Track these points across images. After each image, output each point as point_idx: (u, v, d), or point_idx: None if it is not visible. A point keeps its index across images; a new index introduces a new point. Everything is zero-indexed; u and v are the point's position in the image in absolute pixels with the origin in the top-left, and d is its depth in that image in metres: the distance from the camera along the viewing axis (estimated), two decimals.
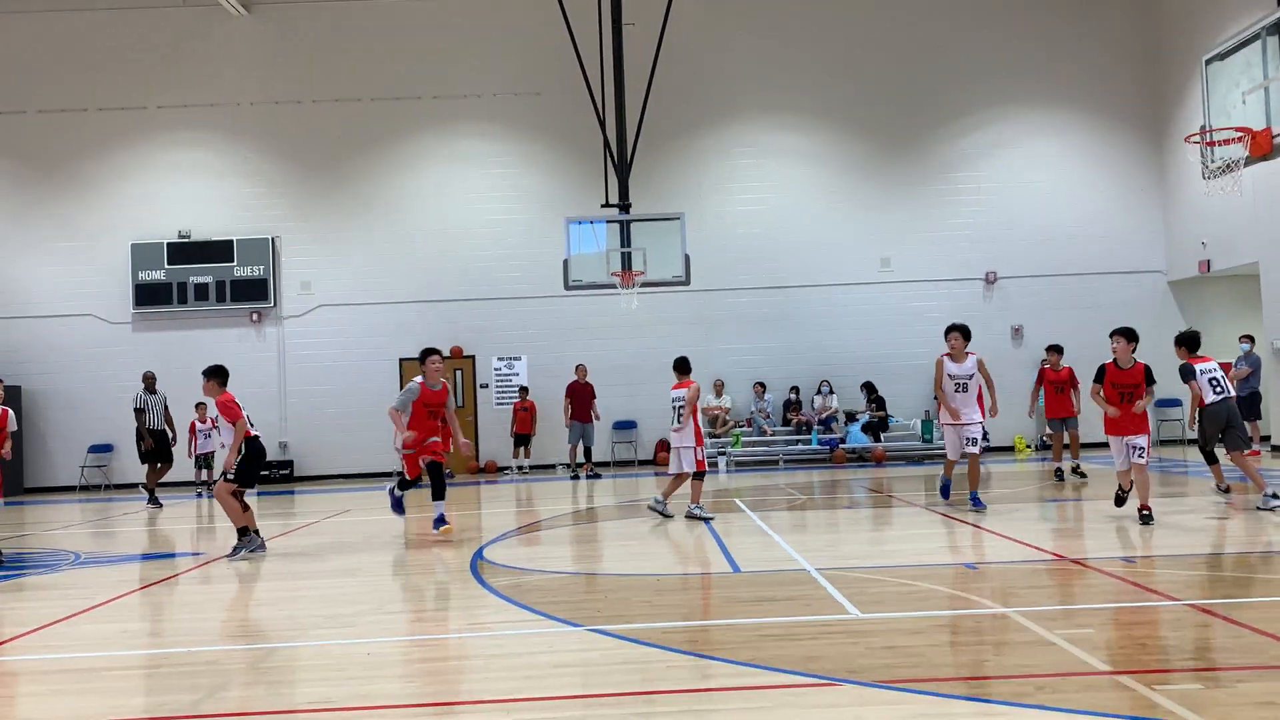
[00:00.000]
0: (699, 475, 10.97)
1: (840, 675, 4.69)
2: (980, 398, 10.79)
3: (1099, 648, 5.06)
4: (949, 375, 10.49)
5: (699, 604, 6.78)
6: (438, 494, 10.29)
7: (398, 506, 10.68)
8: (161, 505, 15.18)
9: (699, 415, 11.09)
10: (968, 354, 10.58)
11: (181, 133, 20.78)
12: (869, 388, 20.02)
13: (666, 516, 11.03)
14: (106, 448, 20.32)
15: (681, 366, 11.36)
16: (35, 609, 7.39)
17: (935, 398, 11.15)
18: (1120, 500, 9.82)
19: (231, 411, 9.31)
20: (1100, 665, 4.73)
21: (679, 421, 10.96)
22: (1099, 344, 19.50)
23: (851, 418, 19.99)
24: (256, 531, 9.52)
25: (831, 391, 20.17)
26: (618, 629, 5.81)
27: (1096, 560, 7.44)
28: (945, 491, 11.37)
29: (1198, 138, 14.51)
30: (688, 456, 10.91)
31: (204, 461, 17.70)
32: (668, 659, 5.17)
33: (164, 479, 15.83)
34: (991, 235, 20.69)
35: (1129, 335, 9.36)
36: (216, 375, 9.61)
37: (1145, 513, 9.13)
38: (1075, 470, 13.83)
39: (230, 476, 9.33)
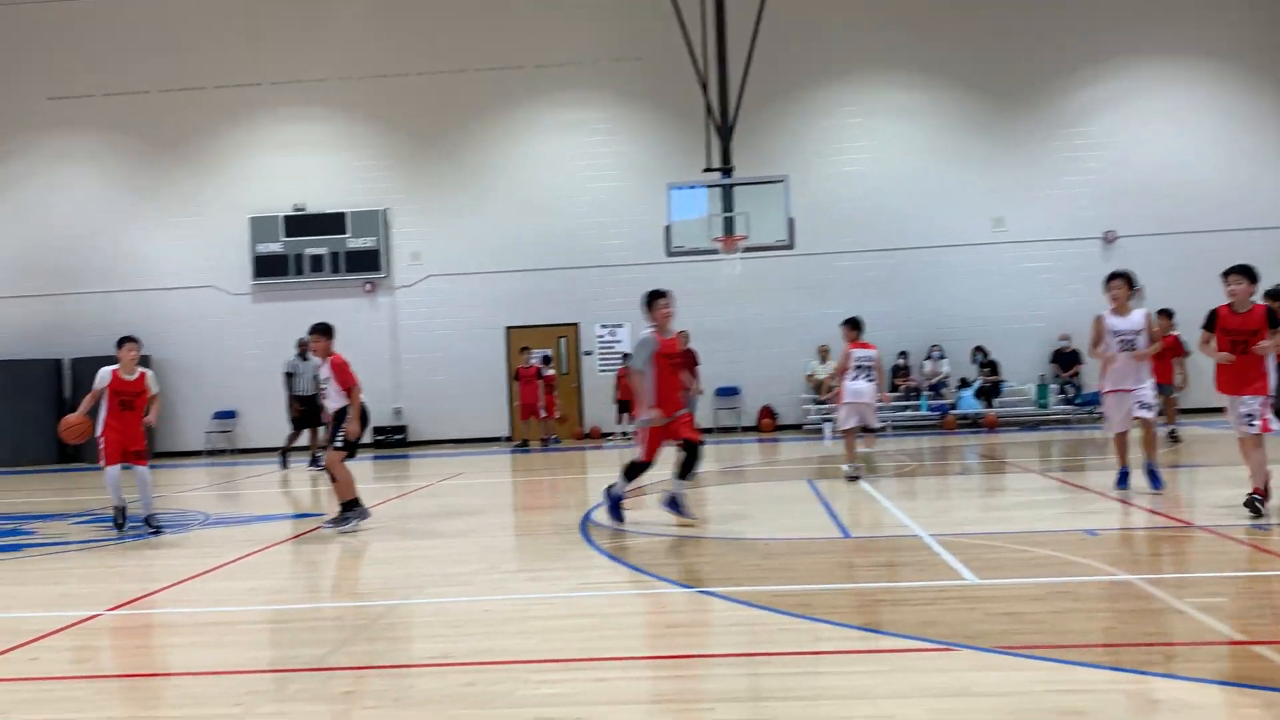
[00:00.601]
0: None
1: (957, 640, 4.60)
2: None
3: (1232, 617, 4.86)
4: (1113, 331, 8.83)
5: (809, 568, 6.74)
6: (685, 471, 8.41)
7: (615, 510, 8.62)
8: (294, 468, 15.64)
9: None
10: (1132, 308, 8.92)
11: (295, 108, 21.36)
12: (980, 351, 19.54)
13: (855, 478, 10.82)
14: (230, 414, 21.17)
15: (857, 325, 11.28)
16: (169, 566, 7.78)
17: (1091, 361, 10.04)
18: (1124, 479, 8.93)
19: (347, 376, 8.88)
20: (1234, 635, 4.55)
21: (870, 378, 10.91)
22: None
23: (964, 383, 19.55)
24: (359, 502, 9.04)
25: (942, 356, 19.74)
26: (728, 591, 5.81)
27: (1226, 527, 7.13)
28: (1125, 480, 8.99)
29: None
30: (870, 413, 10.96)
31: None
32: (779, 621, 5.15)
33: (297, 444, 16.12)
34: (1111, 192, 19.87)
35: (1249, 274, 7.63)
36: (327, 332, 9.16)
37: (1257, 498, 7.41)
38: (1170, 436, 13.70)
39: (341, 444, 8.84)
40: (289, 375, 15.76)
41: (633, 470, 8.43)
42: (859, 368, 10.94)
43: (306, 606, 6.12)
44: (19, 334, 21.41)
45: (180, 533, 9.62)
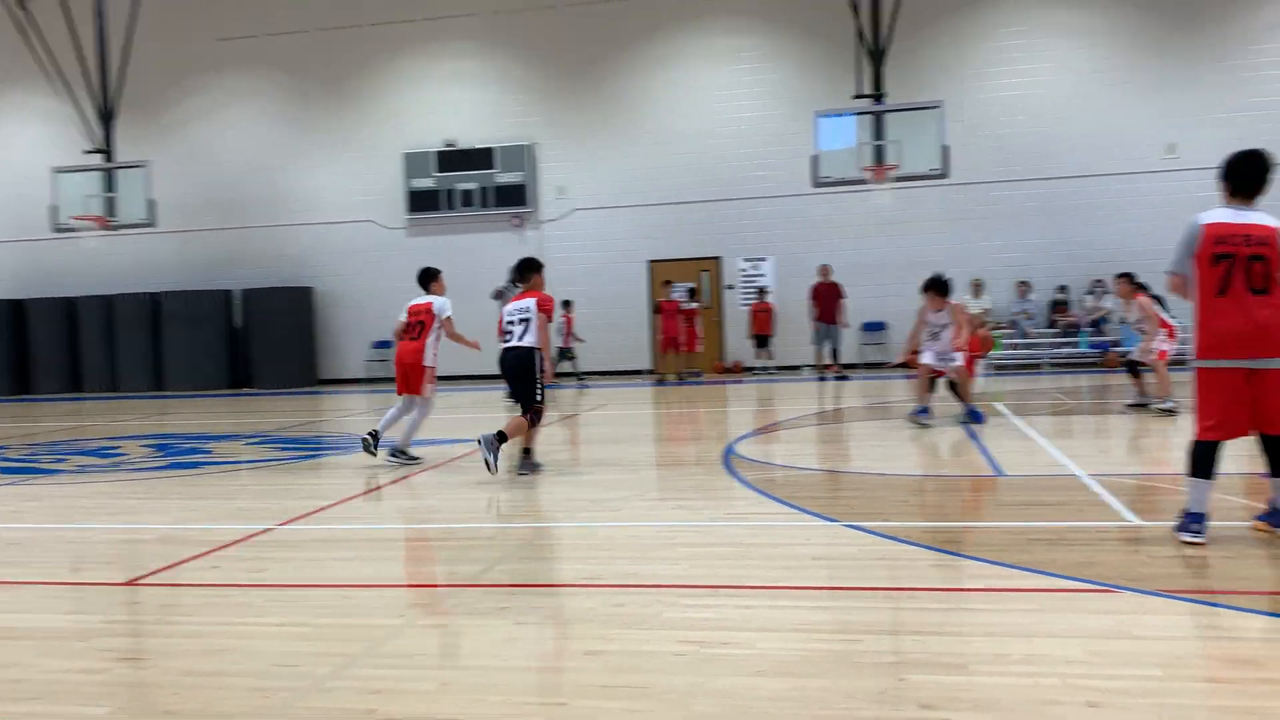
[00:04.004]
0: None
1: (1119, 582, 4.44)
2: None
3: None
4: None
5: (960, 506, 6.59)
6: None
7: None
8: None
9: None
10: None
11: (445, 44, 21.70)
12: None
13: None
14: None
15: (1132, 279, 11.32)
16: (335, 485, 8.20)
17: None
18: None
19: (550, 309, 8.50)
20: None
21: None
22: None
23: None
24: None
25: (1106, 292, 18.78)
26: (875, 525, 5.75)
27: None
28: None
29: None
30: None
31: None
32: (930, 557, 5.07)
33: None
34: None
35: None
36: (539, 269, 8.74)
37: None
38: None
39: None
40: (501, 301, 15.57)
41: None
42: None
43: (462, 526, 6.36)
44: (193, 266, 22.72)
45: (343, 454, 10.11)
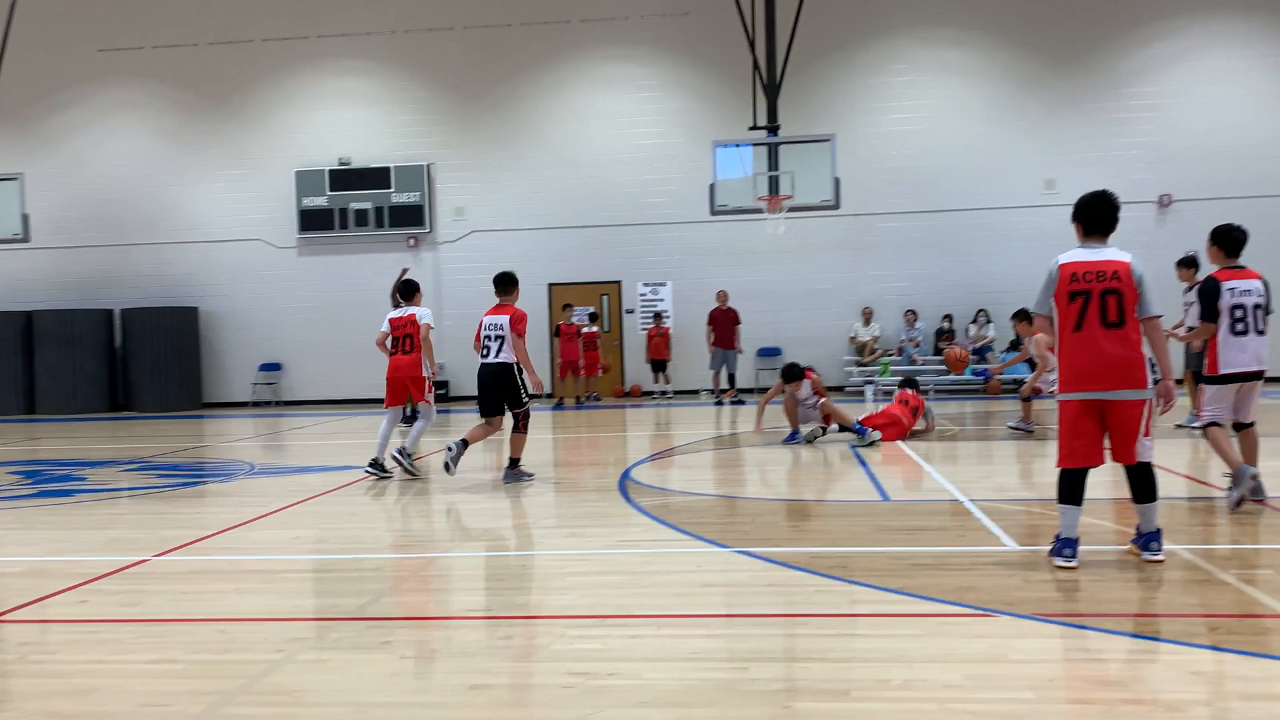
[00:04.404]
0: None
1: (995, 606, 4.57)
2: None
3: (1279, 590, 4.77)
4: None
5: (847, 531, 6.71)
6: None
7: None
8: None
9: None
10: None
11: (341, 61, 21.37)
12: (1025, 316, 19.21)
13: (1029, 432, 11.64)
14: (275, 366, 21.45)
15: (1026, 316, 12.15)
16: (217, 514, 7.93)
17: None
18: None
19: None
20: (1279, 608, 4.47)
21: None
22: None
23: (1014, 347, 19.26)
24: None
25: (989, 321, 19.48)
26: (765, 551, 5.81)
27: (1276, 499, 6.99)
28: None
29: None
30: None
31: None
32: (816, 583, 5.15)
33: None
34: (1167, 155, 19.39)
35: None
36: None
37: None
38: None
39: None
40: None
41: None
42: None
43: (348, 557, 6.21)
44: (70, 283, 21.81)
45: (226, 481, 9.79)
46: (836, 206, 16.73)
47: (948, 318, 19.85)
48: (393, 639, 4.41)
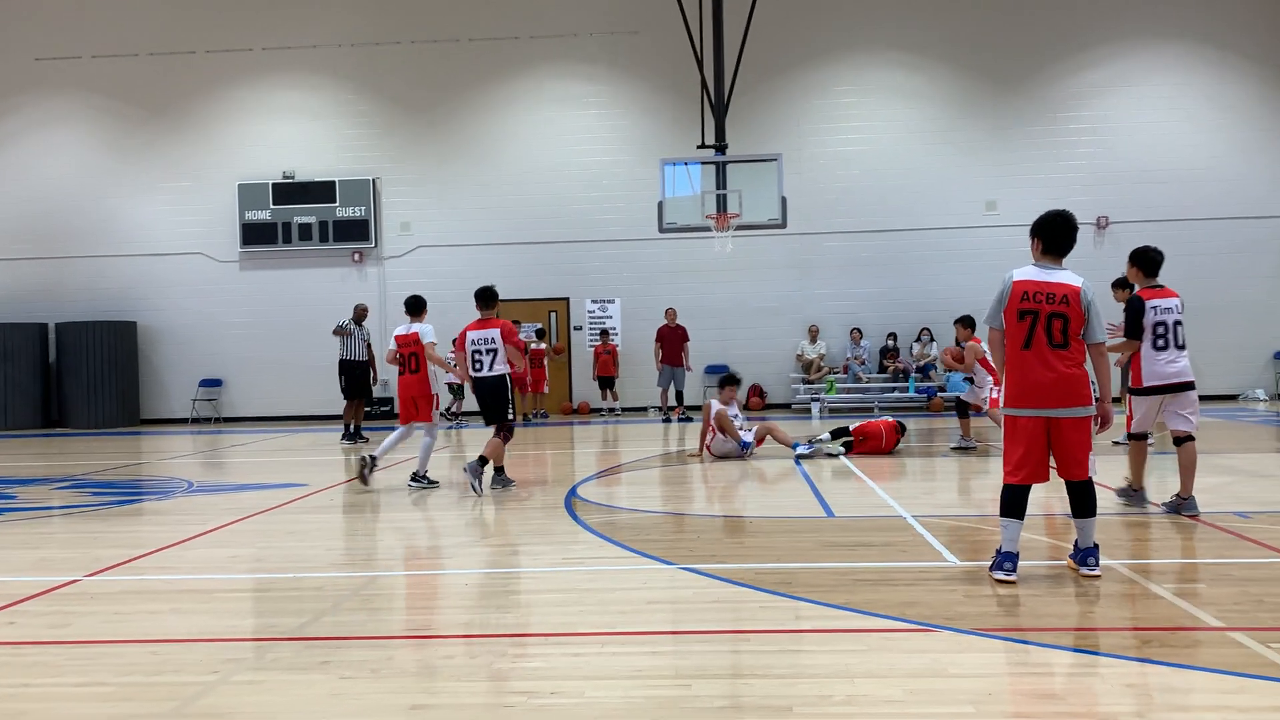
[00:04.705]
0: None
1: (937, 622, 4.61)
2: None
3: (1210, 603, 4.87)
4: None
5: (792, 547, 6.74)
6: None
7: None
8: (365, 439, 15.02)
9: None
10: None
11: (286, 74, 21.15)
12: (970, 323, 19.52)
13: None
14: (216, 382, 21.07)
15: (969, 323, 12.39)
16: (152, 533, 7.75)
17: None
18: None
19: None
20: (1211, 621, 4.56)
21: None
22: (1217, 289, 18.75)
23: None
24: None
25: (932, 339, 19.75)
26: (710, 568, 5.82)
27: (1208, 515, 7.16)
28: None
29: None
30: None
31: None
32: (760, 599, 5.16)
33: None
34: (1103, 178, 19.87)
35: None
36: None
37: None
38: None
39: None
40: (340, 332, 15.19)
41: None
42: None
43: (287, 576, 6.10)
44: (3, 297, 21.27)
45: (164, 499, 9.58)
46: (783, 225, 16.85)
47: (892, 335, 20.10)
48: (331, 659, 4.33)
